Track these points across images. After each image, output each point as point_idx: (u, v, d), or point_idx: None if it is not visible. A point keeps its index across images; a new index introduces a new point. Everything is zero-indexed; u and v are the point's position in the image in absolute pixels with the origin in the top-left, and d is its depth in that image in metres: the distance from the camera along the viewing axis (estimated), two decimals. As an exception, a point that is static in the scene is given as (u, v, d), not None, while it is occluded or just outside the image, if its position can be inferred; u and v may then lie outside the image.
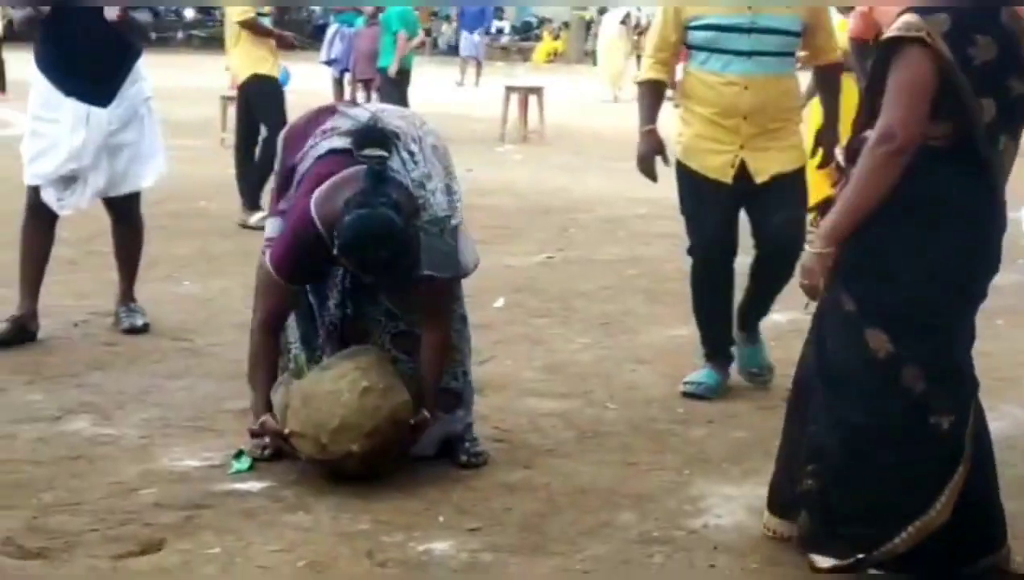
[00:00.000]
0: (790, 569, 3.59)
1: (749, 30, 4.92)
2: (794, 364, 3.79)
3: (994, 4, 3.36)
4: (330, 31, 18.53)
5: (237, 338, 5.64)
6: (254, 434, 4.32)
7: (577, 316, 6.68)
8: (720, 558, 3.68)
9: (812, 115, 6.51)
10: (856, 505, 3.46)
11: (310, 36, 30.19)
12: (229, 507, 3.93)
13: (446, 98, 21.07)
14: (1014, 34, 3.34)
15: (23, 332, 5.69)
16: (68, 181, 5.77)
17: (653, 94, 5.23)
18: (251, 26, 9.16)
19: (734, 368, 5.35)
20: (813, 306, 3.63)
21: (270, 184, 4.90)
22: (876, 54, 3.41)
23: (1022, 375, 5.57)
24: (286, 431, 4.12)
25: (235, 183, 9.46)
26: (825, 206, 6.24)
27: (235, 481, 4.15)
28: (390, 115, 4.41)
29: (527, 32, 44.41)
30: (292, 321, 4.40)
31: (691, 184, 5.12)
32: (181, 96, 18.99)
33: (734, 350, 5.34)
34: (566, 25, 40.86)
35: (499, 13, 43.16)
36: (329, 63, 18.08)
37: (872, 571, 3.44)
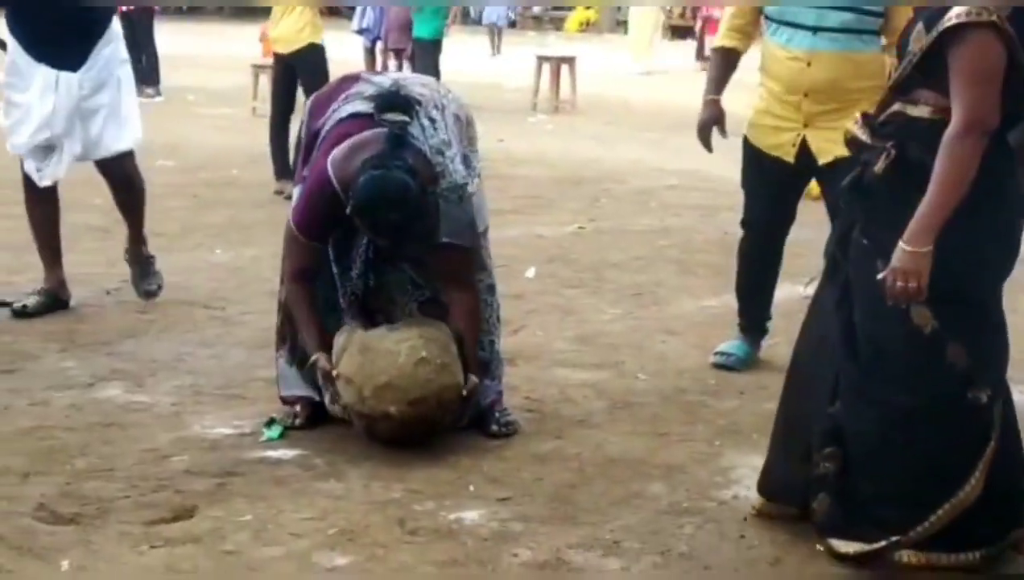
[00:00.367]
0: (821, 541, 3.59)
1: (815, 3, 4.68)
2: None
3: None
4: (362, -1, 18.46)
5: (268, 307, 5.64)
6: (286, 401, 4.35)
7: (608, 286, 6.67)
8: (750, 529, 3.68)
9: None
10: (889, 486, 3.43)
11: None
12: (260, 475, 3.95)
13: (477, 68, 21.02)
14: None
15: (55, 302, 5.71)
16: (46, 151, 5.62)
17: (723, 62, 5.09)
18: None
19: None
20: (814, 285, 3.61)
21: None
22: (933, 38, 3.32)
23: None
24: (335, 372, 4.12)
25: (268, 152, 9.46)
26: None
27: (266, 449, 4.16)
28: (413, 83, 4.41)
29: (559, 1, 44.15)
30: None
31: (752, 159, 5.03)
32: (212, 65, 19.07)
33: (770, 325, 5.31)
34: (599, -6, 40.63)
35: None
36: (361, 32, 18.01)
37: (900, 554, 3.41)
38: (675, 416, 4.64)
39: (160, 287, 5.96)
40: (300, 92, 9.18)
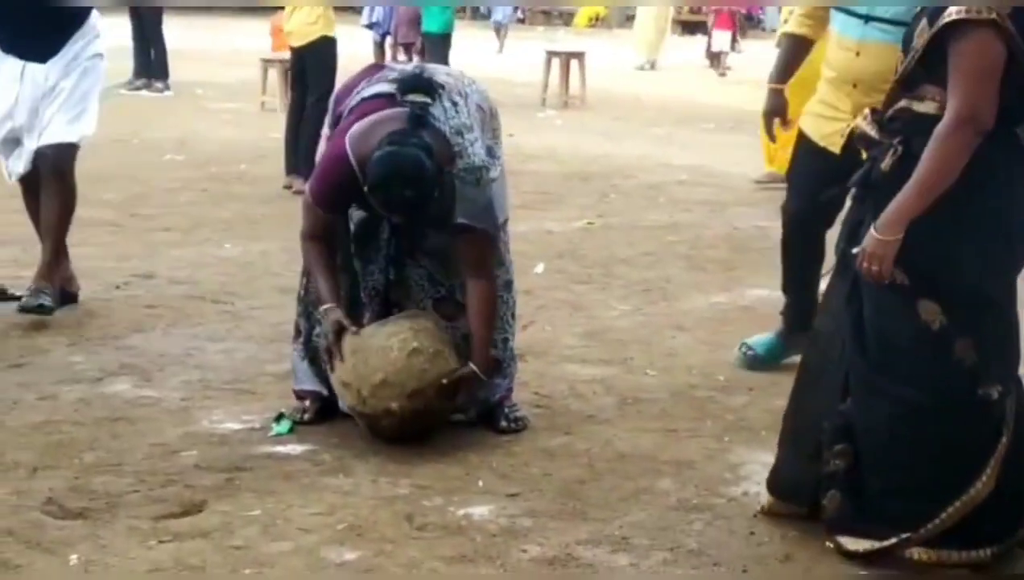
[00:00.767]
0: (831, 538, 3.58)
1: None
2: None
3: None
4: (372, -7, 18.47)
5: (278, 301, 5.67)
6: (298, 395, 4.35)
7: (617, 282, 6.66)
8: (759, 526, 3.67)
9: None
10: (901, 482, 3.42)
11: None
12: (269, 469, 3.95)
13: (487, 63, 21.01)
14: None
15: (64, 296, 5.65)
16: (13, 145, 5.49)
17: (790, 49, 5.01)
18: None
19: None
20: (827, 280, 3.61)
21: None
22: (933, 32, 3.31)
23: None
24: (334, 377, 4.13)
25: (278, 146, 9.45)
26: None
27: (275, 444, 4.16)
28: (438, 71, 4.41)
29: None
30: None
31: (803, 148, 4.93)
32: (222, 59, 19.08)
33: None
34: (608, -11, 40.60)
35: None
36: (370, 27, 18.02)
37: (911, 551, 3.40)
38: (684, 412, 4.64)
39: (42, 307, 5.32)
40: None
